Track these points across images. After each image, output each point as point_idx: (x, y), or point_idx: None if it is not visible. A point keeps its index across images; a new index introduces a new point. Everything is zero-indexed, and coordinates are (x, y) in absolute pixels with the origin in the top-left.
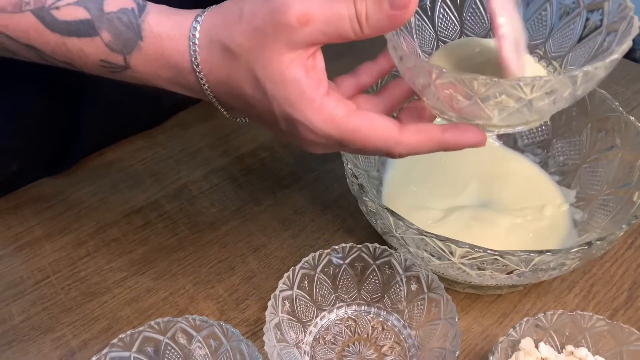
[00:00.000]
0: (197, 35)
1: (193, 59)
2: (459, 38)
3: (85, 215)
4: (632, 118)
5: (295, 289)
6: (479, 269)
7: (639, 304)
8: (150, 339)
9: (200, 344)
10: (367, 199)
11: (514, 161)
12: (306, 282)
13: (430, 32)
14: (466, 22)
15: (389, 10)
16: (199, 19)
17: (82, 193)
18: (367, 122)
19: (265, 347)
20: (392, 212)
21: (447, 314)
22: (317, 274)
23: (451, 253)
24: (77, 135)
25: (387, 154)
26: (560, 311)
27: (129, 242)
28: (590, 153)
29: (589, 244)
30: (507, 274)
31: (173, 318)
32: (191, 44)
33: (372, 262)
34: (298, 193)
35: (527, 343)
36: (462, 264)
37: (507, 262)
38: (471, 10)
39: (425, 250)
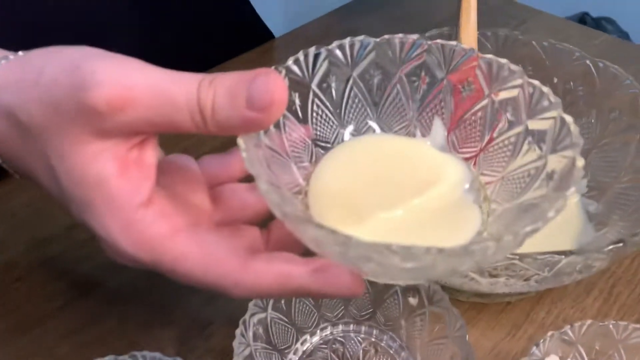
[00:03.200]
0: None
1: None
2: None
3: (17, 229)
4: None
5: (269, 310)
6: (492, 276)
7: None
8: None
9: None
10: None
11: None
12: (283, 301)
13: (331, 121)
14: (383, 116)
15: (244, 110)
16: None
17: (13, 204)
18: (197, 251)
19: None
20: None
21: (454, 331)
22: None
23: None
24: None
25: (223, 293)
26: (589, 321)
27: (71, 259)
28: (602, 136)
29: (623, 241)
30: (525, 280)
31: (118, 356)
32: None
33: None
34: None
35: None
36: (471, 271)
37: (526, 267)
38: (391, 99)
39: None
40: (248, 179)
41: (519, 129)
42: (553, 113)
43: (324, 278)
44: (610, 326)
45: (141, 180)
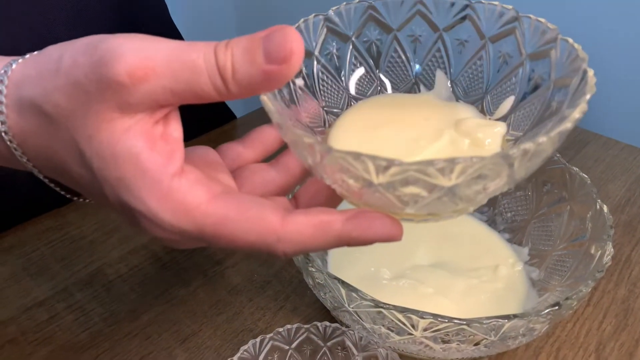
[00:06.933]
0: (4, 91)
1: (0, 123)
2: (377, 94)
3: None
4: (575, 169)
5: None
6: (444, 342)
7: None
8: None
9: None
10: (313, 270)
11: (461, 221)
12: None
13: (338, 87)
14: (386, 73)
15: (263, 65)
16: (8, 69)
17: None
18: (236, 211)
19: None
20: (344, 283)
21: None
22: None
23: (413, 326)
24: None
25: (268, 252)
26: None
27: (29, 342)
28: (538, 208)
29: (558, 304)
30: (475, 344)
31: None
32: None
33: (322, 344)
34: (232, 269)
35: None
36: (424, 337)
37: (474, 332)
38: (391, 59)
39: (383, 325)
40: (264, 161)
41: (520, 62)
42: (552, 34)
43: (362, 223)
44: None
45: (171, 151)
